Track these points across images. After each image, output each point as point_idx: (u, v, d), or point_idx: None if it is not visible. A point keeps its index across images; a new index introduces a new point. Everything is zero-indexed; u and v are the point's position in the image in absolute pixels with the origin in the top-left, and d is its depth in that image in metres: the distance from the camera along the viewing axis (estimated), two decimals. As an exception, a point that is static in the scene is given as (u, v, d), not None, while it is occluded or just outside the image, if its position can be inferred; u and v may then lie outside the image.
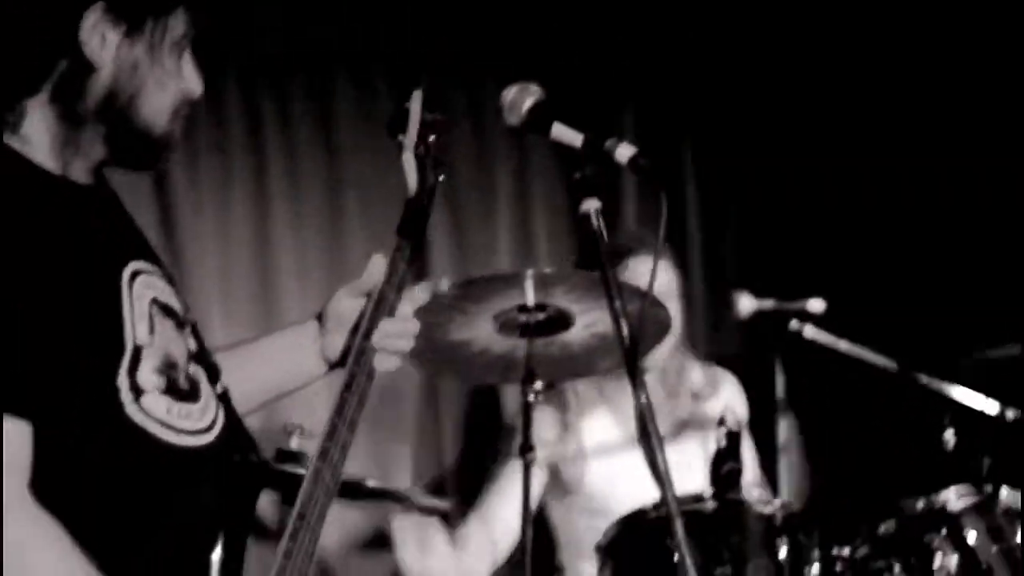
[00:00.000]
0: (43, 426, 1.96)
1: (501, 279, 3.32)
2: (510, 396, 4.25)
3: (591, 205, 2.16)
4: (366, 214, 4.87)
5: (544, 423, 3.90)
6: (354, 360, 2.34)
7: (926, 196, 5.34)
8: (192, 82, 2.24)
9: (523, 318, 3.27)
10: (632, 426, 3.87)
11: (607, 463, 3.95)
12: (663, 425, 3.96)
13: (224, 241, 4.59)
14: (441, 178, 2.52)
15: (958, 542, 3.49)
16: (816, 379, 4.77)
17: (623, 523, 3.38)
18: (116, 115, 2.16)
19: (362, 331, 2.38)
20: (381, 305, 2.41)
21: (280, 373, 2.52)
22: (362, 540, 4.55)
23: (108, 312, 2.08)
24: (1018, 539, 3.48)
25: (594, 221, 2.16)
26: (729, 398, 4.17)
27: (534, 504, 3.55)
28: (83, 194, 2.19)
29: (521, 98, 2.23)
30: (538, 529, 3.92)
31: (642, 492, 3.36)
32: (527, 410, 3.21)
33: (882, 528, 3.52)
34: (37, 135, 2.13)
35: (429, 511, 3.86)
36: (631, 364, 2.09)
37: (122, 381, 2.06)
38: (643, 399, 2.06)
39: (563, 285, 3.23)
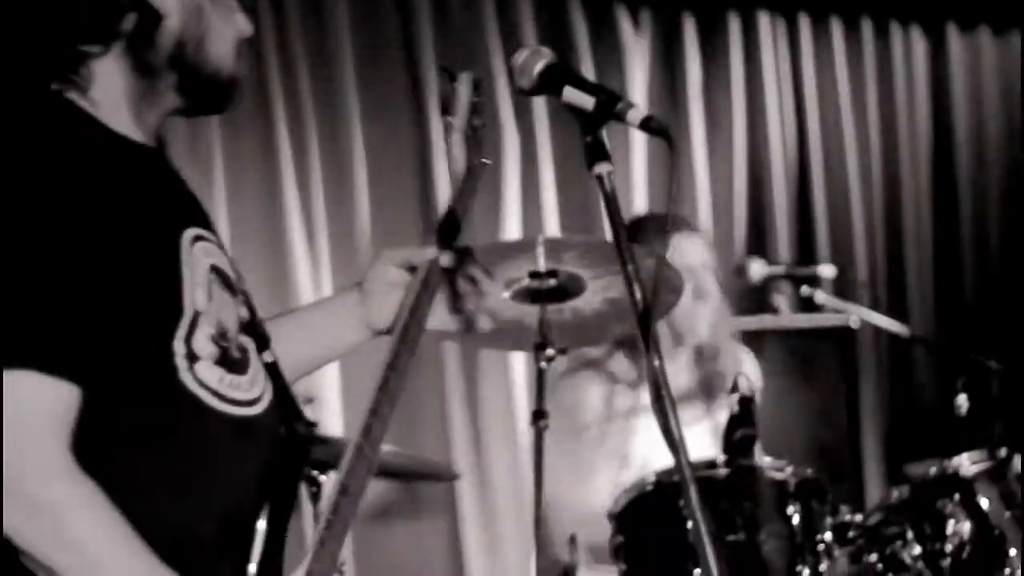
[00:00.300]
0: (93, 389, 1.94)
1: (513, 246, 3.30)
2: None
3: (603, 168, 2.14)
4: (374, 181, 4.87)
5: (586, 388, 3.91)
6: (399, 338, 2.32)
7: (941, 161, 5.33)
8: (243, 22, 2.25)
9: (535, 284, 3.25)
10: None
11: (654, 435, 3.92)
12: (697, 405, 3.98)
13: (234, 209, 4.59)
14: (486, 160, 2.60)
15: (971, 508, 3.48)
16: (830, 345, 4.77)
17: (635, 490, 3.37)
18: (187, 62, 2.17)
19: (409, 308, 2.37)
20: (431, 282, 2.42)
21: (324, 342, 2.51)
22: (381, 513, 4.57)
23: (168, 275, 2.07)
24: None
25: (607, 184, 2.14)
26: (747, 368, 4.15)
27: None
28: (147, 156, 2.18)
29: (532, 61, 2.21)
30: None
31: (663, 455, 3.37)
32: (540, 377, 3.19)
33: (895, 494, 3.51)
34: (108, 95, 2.12)
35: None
36: (644, 328, 2.08)
37: (178, 346, 2.04)
38: (656, 363, 2.04)
39: (575, 251, 3.22)
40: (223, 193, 4.65)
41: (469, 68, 2.63)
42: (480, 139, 2.60)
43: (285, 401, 2.22)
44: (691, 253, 3.92)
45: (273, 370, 2.23)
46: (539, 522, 3.10)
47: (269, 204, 4.74)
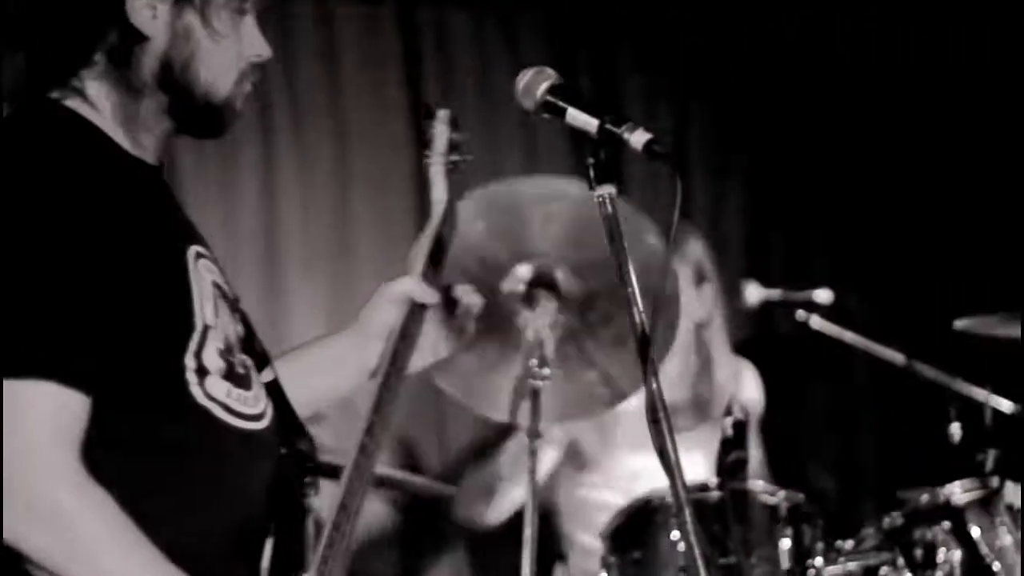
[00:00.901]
0: (104, 400, 1.95)
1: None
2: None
3: (605, 190, 2.15)
4: (374, 203, 4.87)
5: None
6: (390, 361, 2.38)
7: (938, 185, 5.33)
8: (254, 44, 2.22)
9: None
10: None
11: (630, 436, 3.93)
12: (686, 415, 3.99)
13: (232, 232, 4.58)
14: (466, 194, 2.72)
15: (962, 536, 3.48)
16: (822, 370, 4.78)
17: (628, 511, 3.38)
18: (175, 83, 2.15)
19: (398, 335, 2.42)
20: (418, 311, 2.46)
21: (320, 391, 2.53)
22: (374, 532, 4.56)
23: (178, 290, 2.08)
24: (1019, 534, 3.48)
25: (607, 207, 2.15)
26: (748, 390, 4.17)
27: (542, 482, 3.56)
28: (151, 172, 2.18)
29: (536, 82, 2.21)
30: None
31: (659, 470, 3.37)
32: (535, 395, 3.20)
33: (886, 521, 3.52)
34: (101, 104, 2.13)
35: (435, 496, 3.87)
36: (643, 350, 2.08)
37: (189, 361, 2.05)
38: (654, 385, 2.05)
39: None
40: (219, 208, 4.63)
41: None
42: (457, 172, 2.66)
43: (286, 418, 2.22)
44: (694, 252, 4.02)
45: (273, 388, 2.24)
46: (534, 534, 3.11)
47: (267, 223, 4.72)
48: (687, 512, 2.03)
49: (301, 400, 2.32)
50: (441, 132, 2.65)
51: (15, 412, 1.88)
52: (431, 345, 2.54)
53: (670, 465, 2.04)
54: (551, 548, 4.08)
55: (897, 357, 4.42)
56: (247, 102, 2.25)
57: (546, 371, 3.20)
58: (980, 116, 5.17)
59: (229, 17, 2.18)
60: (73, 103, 2.11)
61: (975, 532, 3.49)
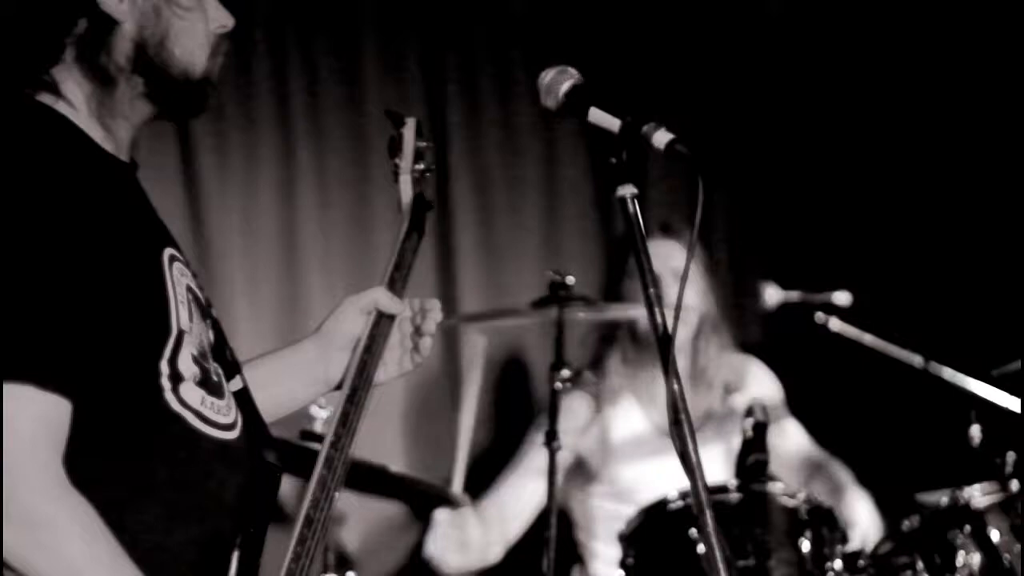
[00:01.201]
0: (82, 405, 1.92)
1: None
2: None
3: (627, 191, 2.13)
4: (392, 205, 4.86)
5: (573, 411, 3.89)
6: (356, 373, 2.35)
7: (958, 190, 5.31)
8: (218, 15, 2.18)
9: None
10: (659, 417, 3.93)
11: (633, 452, 3.94)
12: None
13: (249, 234, 4.58)
14: (430, 204, 2.64)
15: (981, 540, 3.47)
16: (841, 372, 4.76)
17: (646, 512, 3.36)
18: (151, 64, 2.11)
19: (363, 346, 2.38)
20: (385, 322, 2.42)
21: (278, 399, 2.45)
22: (383, 527, 4.55)
23: (154, 293, 2.04)
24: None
25: (630, 207, 2.13)
26: (758, 389, 4.14)
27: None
28: (125, 171, 2.15)
29: (558, 81, 2.20)
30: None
31: (666, 482, 3.36)
32: (554, 397, 3.19)
33: (905, 524, 3.50)
34: (74, 97, 2.09)
35: (451, 503, 3.86)
36: (664, 352, 2.07)
37: (164, 366, 2.01)
38: (676, 387, 2.04)
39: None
40: (239, 216, 4.64)
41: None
42: (425, 181, 2.62)
43: (256, 428, 2.19)
44: (675, 259, 3.98)
45: (242, 397, 2.20)
46: (553, 540, 3.11)
47: (285, 228, 4.72)
48: (708, 514, 2.01)
49: (260, 408, 2.28)
50: (409, 140, 2.62)
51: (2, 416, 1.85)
52: (396, 359, 2.48)
53: (691, 467, 2.03)
54: (568, 551, 4.08)
55: (916, 359, 4.41)
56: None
57: (565, 373, 3.19)
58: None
59: None
60: (46, 98, 2.07)
61: (995, 536, 3.48)
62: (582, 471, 4.01)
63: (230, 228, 4.51)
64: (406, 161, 2.60)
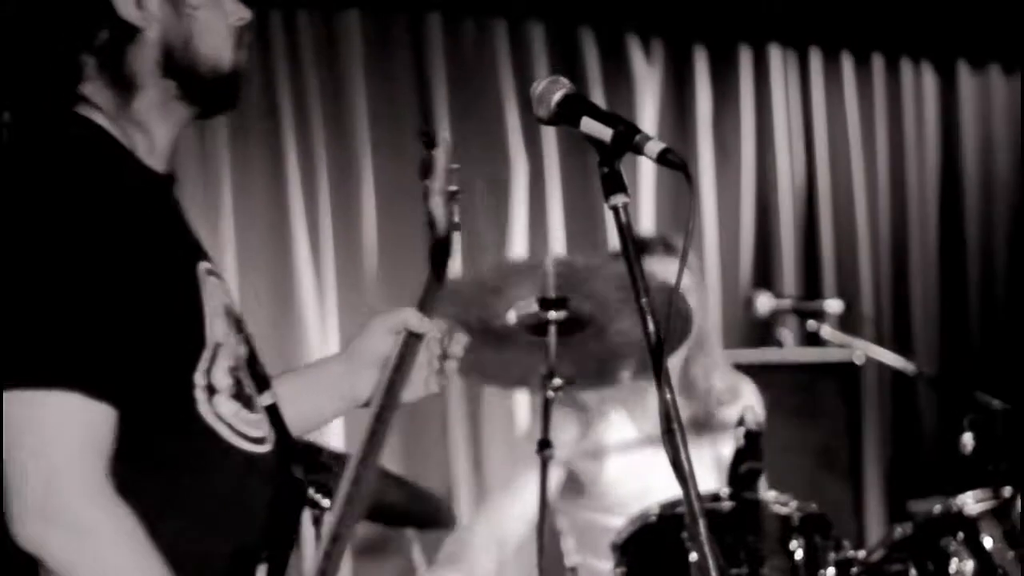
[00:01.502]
0: (122, 414, 1.93)
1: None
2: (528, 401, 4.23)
3: (619, 200, 2.13)
4: (383, 211, 4.87)
5: (562, 423, 3.89)
6: (384, 392, 2.35)
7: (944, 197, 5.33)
8: (235, 8, 2.19)
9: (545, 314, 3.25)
10: (648, 426, 3.92)
11: (623, 463, 3.93)
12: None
13: (242, 238, 4.59)
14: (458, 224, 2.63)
15: (975, 547, 3.46)
16: (832, 380, 4.77)
17: (638, 521, 3.36)
18: (180, 66, 2.12)
19: (392, 365, 2.39)
20: (414, 342, 2.43)
21: (305, 414, 2.46)
22: (369, 546, 4.55)
23: (191, 306, 2.05)
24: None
25: (622, 216, 2.13)
26: (749, 400, 4.14)
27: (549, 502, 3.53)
28: (161, 184, 2.16)
29: (551, 91, 2.20)
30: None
31: (656, 492, 3.36)
32: (547, 407, 3.19)
33: (898, 531, 3.50)
34: (109, 110, 2.10)
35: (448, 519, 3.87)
36: (657, 361, 2.07)
37: (199, 378, 2.03)
38: (668, 396, 2.04)
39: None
40: (230, 221, 4.64)
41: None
42: (455, 202, 2.62)
43: (285, 443, 2.20)
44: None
45: (272, 412, 2.21)
46: (543, 551, 3.10)
47: (277, 232, 4.73)
48: (700, 522, 2.02)
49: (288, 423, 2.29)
50: (441, 162, 2.61)
51: (42, 423, 1.87)
52: (423, 379, 2.49)
53: (684, 475, 2.03)
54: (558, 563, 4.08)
55: (908, 367, 4.42)
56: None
57: (557, 382, 3.19)
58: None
59: None
60: (83, 110, 2.09)
61: (988, 543, 3.47)
62: (573, 486, 4.00)
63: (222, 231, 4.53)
64: (438, 182, 2.60)
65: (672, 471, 2.04)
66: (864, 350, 4.43)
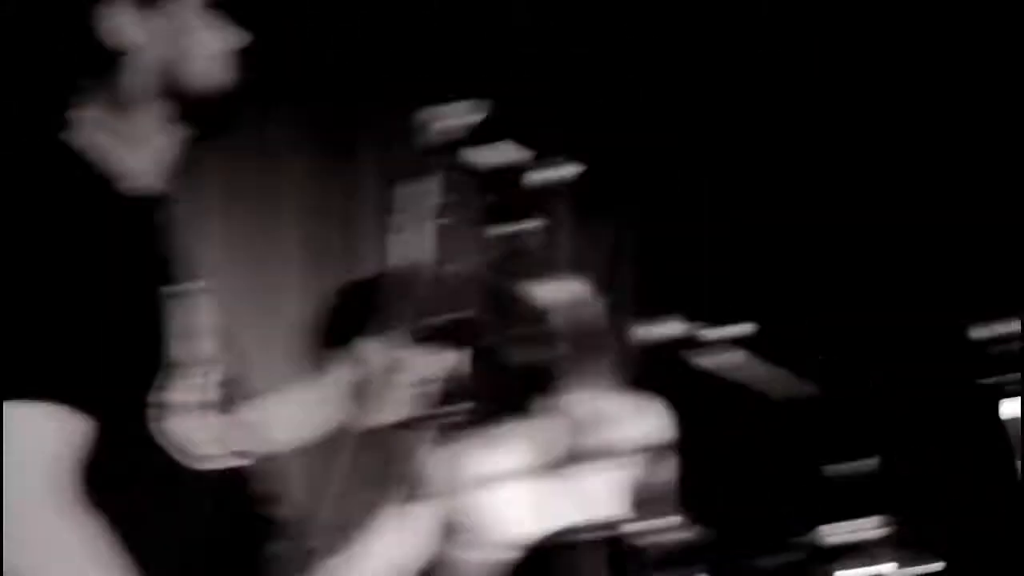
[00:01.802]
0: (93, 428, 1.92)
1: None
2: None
3: (503, 229, 2.16)
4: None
5: (432, 461, 3.89)
6: (362, 418, 2.46)
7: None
8: (222, 32, 2.20)
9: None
10: (525, 457, 3.91)
11: (499, 496, 3.91)
12: (565, 453, 3.98)
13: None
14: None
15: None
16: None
17: (529, 552, 3.37)
18: (174, 87, 2.15)
19: (370, 391, 2.48)
20: (391, 368, 2.50)
21: (285, 436, 2.52)
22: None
23: (149, 326, 2.04)
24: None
25: (506, 245, 2.16)
26: (647, 425, 4.16)
27: (429, 549, 3.54)
28: (142, 206, 2.14)
29: (435, 118, 2.22)
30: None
31: (537, 523, 3.37)
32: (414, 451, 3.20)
33: (768, 562, 3.53)
34: (96, 133, 2.11)
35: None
36: (543, 387, 2.09)
37: (161, 395, 2.02)
38: (554, 424, 2.06)
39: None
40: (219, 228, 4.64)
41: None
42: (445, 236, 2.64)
43: (255, 464, 2.20)
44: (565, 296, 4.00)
45: (241, 431, 2.20)
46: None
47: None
48: (596, 548, 2.04)
49: (259, 444, 2.29)
50: (433, 195, 2.59)
51: (13, 434, 1.85)
52: (397, 404, 2.55)
53: (581, 504, 2.05)
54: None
55: (809, 390, 4.44)
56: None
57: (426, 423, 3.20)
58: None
59: (189, 10, 2.18)
60: (71, 135, 2.10)
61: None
62: (454, 528, 4.00)
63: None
64: (429, 215, 2.58)
65: (571, 500, 2.05)
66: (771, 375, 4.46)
